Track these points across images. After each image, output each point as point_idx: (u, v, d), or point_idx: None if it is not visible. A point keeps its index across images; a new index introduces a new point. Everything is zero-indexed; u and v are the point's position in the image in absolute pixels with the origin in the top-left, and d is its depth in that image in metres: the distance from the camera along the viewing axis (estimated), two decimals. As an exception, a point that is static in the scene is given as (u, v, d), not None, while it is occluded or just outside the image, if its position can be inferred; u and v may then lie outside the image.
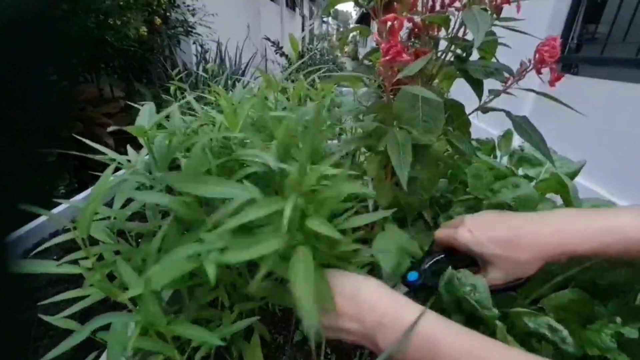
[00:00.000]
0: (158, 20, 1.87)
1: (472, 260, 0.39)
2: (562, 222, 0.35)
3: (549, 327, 0.31)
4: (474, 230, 0.37)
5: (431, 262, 0.40)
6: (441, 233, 0.42)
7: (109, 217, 0.34)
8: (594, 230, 0.33)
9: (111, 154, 0.41)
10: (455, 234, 0.39)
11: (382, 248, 0.41)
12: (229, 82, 1.50)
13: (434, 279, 0.38)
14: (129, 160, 0.43)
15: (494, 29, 0.48)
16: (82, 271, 0.29)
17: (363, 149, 0.76)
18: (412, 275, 0.39)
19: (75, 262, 0.33)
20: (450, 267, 0.37)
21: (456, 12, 0.47)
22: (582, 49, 2.01)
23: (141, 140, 0.36)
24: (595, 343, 0.30)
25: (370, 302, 0.30)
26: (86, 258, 0.30)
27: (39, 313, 0.53)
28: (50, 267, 0.27)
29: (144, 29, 1.62)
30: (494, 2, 0.47)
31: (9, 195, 0.15)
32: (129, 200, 0.40)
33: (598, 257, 0.34)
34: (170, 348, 0.28)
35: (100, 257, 0.34)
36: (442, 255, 0.41)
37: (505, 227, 0.36)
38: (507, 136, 0.73)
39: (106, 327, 0.32)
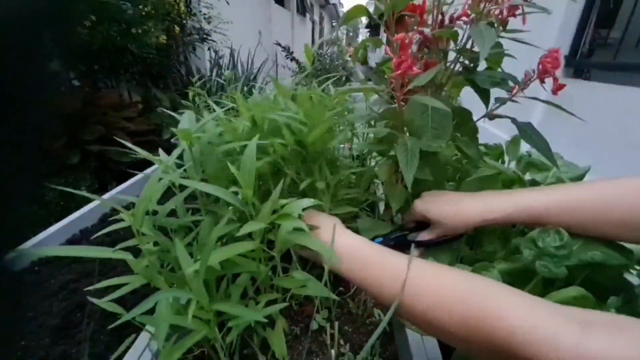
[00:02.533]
0: (177, 29, 1.94)
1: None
2: (486, 199, 0.48)
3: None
4: (425, 200, 0.52)
5: (395, 236, 0.56)
6: (410, 211, 0.56)
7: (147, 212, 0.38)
8: (505, 204, 0.46)
9: (146, 155, 0.45)
10: (414, 206, 0.53)
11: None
12: (245, 88, 1.55)
13: (395, 240, 0.55)
14: (160, 161, 0.47)
15: (501, 40, 0.51)
16: (129, 259, 0.33)
17: (374, 153, 0.80)
18: (377, 240, 0.55)
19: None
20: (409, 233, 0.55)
21: (464, 25, 0.50)
22: (594, 54, 2.00)
23: (184, 144, 0.40)
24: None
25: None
26: (135, 246, 0.34)
27: (76, 302, 0.58)
28: (105, 252, 0.31)
29: (163, 37, 1.69)
30: (501, 16, 0.50)
31: (11, 197, 0.15)
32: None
33: (510, 222, 0.46)
34: (211, 328, 0.31)
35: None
36: (405, 232, 0.56)
37: (449, 200, 0.50)
38: (515, 141, 0.74)
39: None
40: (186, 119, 0.43)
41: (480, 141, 0.82)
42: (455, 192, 0.54)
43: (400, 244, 0.54)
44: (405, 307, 0.33)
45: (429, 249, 0.53)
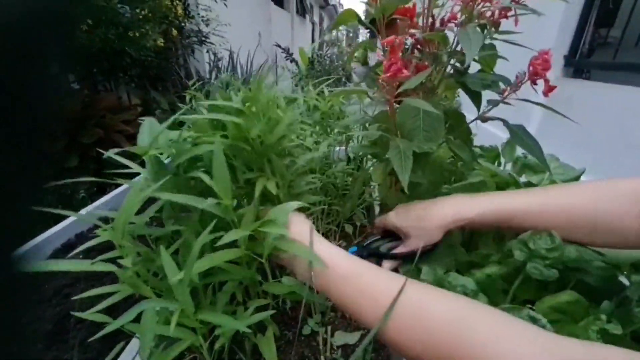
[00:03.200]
0: (174, 32, 1.94)
1: (396, 239, 0.52)
2: (455, 201, 0.48)
3: (530, 318, 0.34)
4: (398, 212, 0.52)
5: (369, 242, 0.54)
6: (377, 220, 0.56)
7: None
8: (474, 206, 0.46)
9: (133, 166, 0.44)
10: (386, 217, 0.53)
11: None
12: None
13: (368, 251, 0.52)
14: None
15: (499, 40, 0.51)
16: (115, 270, 0.33)
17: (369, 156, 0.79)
18: (352, 249, 0.52)
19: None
20: (382, 243, 0.53)
21: (455, 28, 0.50)
22: (594, 53, 1.99)
23: (147, 160, 0.39)
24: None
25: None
26: (118, 258, 0.34)
27: (69, 308, 0.58)
28: (85, 265, 0.30)
29: (161, 40, 1.69)
30: (492, 18, 0.49)
31: (13, 199, 0.14)
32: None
33: (479, 224, 0.46)
34: (196, 337, 0.31)
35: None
36: (378, 237, 0.55)
37: (419, 207, 0.50)
38: (511, 143, 0.74)
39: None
40: (146, 130, 0.40)
41: (480, 141, 0.81)
42: (424, 201, 0.52)
43: (374, 254, 0.52)
44: (384, 333, 0.31)
45: (406, 261, 0.50)
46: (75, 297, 0.39)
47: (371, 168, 0.75)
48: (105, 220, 0.38)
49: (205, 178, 0.32)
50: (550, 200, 0.43)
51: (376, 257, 0.51)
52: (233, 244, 0.33)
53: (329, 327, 0.51)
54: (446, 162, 0.63)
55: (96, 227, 0.90)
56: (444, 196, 0.51)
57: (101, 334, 0.29)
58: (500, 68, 0.54)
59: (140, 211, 0.40)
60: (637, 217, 0.39)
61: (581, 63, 1.99)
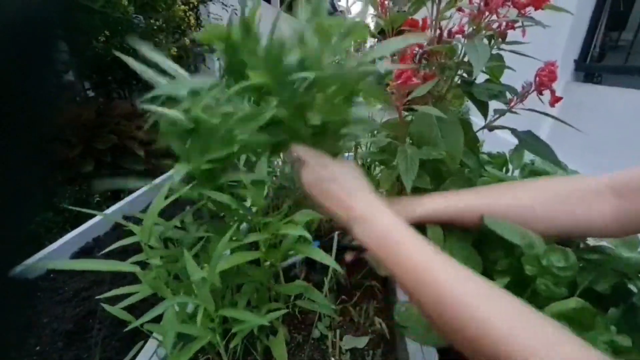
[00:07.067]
0: (187, 42, 2.00)
1: None
2: (410, 202, 0.49)
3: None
4: None
5: (335, 235, 0.57)
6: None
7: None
8: (427, 206, 0.48)
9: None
10: None
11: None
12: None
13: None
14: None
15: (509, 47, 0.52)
16: (137, 271, 0.35)
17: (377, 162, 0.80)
18: (315, 243, 0.54)
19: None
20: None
21: (462, 39, 0.51)
22: (605, 57, 1.97)
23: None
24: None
25: (356, 201, 0.40)
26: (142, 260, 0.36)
27: (88, 309, 0.60)
28: (114, 265, 0.33)
29: (174, 50, 1.74)
30: (499, 29, 0.51)
31: (23, 207, 0.15)
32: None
33: (432, 221, 0.48)
34: (214, 334, 0.33)
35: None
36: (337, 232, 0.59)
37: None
38: (519, 150, 0.74)
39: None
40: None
41: (491, 147, 0.82)
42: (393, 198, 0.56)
43: (341, 247, 0.56)
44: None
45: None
46: (99, 296, 0.41)
47: (379, 174, 0.76)
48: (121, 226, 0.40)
49: (245, 179, 0.34)
50: (472, 203, 0.47)
51: (340, 249, 0.56)
52: (253, 249, 0.35)
53: (338, 331, 0.52)
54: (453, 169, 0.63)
55: (113, 230, 0.93)
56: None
57: (129, 329, 0.31)
58: (510, 76, 0.55)
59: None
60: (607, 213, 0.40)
61: (592, 67, 1.97)
